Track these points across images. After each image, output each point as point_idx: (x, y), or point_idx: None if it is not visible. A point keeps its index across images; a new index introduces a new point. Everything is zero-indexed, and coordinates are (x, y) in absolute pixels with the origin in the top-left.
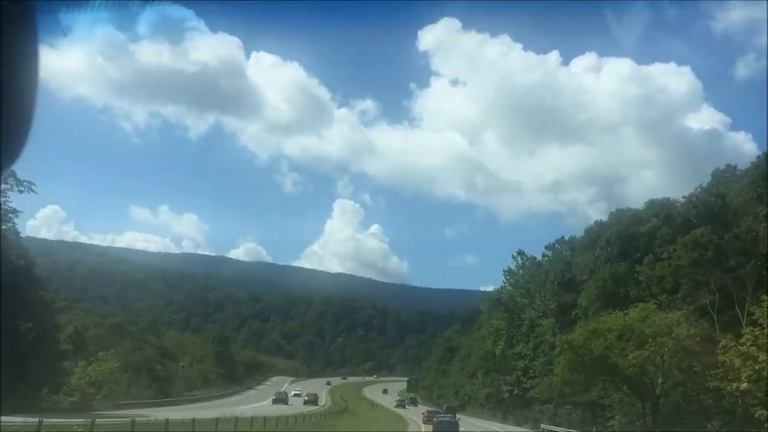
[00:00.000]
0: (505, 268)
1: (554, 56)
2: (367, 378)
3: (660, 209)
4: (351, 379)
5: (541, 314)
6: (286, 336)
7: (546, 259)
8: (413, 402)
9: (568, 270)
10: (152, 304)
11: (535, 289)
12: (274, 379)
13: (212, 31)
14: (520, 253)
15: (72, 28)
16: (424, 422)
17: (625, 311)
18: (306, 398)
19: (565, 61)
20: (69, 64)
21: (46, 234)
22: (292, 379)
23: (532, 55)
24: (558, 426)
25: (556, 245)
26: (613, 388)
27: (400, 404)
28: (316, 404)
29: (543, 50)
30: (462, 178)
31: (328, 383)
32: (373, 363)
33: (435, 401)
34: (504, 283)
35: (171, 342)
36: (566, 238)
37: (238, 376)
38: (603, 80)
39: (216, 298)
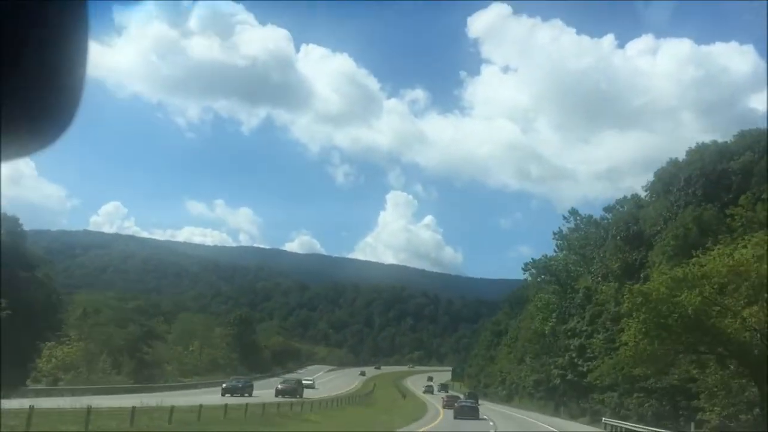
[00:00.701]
0: (555, 231)
1: (609, 40)
2: (415, 367)
3: (754, 141)
4: (393, 368)
5: (599, 279)
6: (334, 325)
7: (606, 222)
8: (444, 389)
9: (634, 223)
10: (199, 295)
11: (591, 251)
12: (311, 368)
13: (261, 24)
14: (573, 212)
15: (126, 27)
16: (444, 407)
17: (732, 247)
18: (280, 386)
19: (621, 44)
20: (124, 62)
21: (108, 229)
22: (330, 368)
23: (585, 39)
24: (625, 420)
25: (617, 206)
26: (710, 366)
27: (428, 390)
28: (296, 396)
29: (597, 34)
30: (515, 166)
31: (362, 373)
32: (421, 352)
33: (482, 391)
34: (556, 251)
35: (184, 324)
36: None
37: (263, 362)
38: (660, 62)
39: (264, 288)
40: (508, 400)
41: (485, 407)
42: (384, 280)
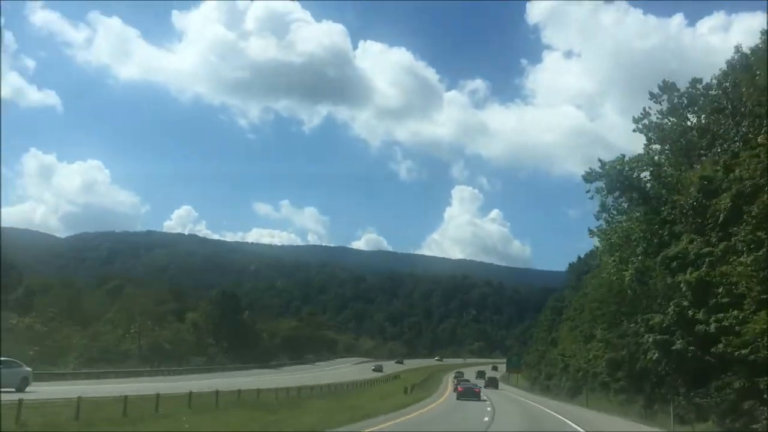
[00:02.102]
0: (637, 116)
1: (678, 19)
2: (471, 360)
3: None
4: (425, 362)
5: (731, 156)
6: (391, 317)
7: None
8: (492, 383)
9: None
10: (253, 289)
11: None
12: (341, 360)
13: (317, 21)
14: (668, 86)
15: (185, 31)
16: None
17: None
18: None
19: (691, 23)
20: (185, 65)
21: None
22: (360, 360)
23: (652, 19)
24: None
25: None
26: None
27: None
28: None
29: (665, 13)
30: (582, 154)
31: (377, 368)
32: (481, 343)
33: (543, 384)
34: (646, 149)
35: (124, 304)
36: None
37: (264, 351)
38: (734, 39)
39: (319, 280)
40: (573, 395)
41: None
42: (454, 275)
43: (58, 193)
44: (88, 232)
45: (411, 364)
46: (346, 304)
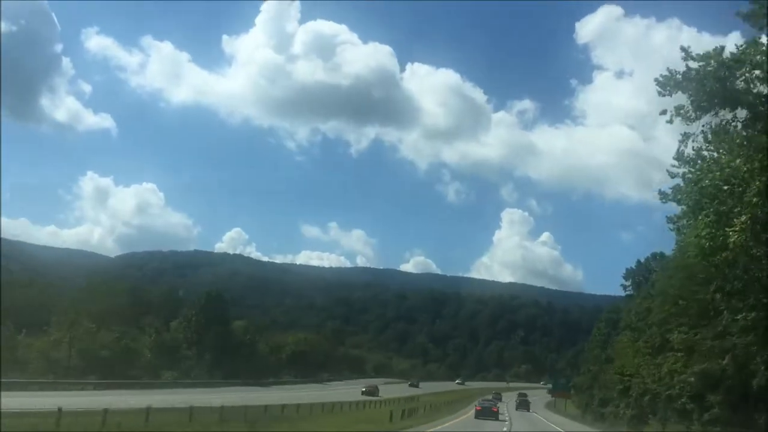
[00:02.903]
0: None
1: (735, 37)
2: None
3: None
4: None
5: None
6: (435, 338)
7: None
8: (523, 405)
9: None
10: (293, 307)
11: None
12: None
13: (364, 43)
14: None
15: (235, 56)
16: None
17: None
18: None
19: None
20: (235, 88)
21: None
22: (387, 380)
23: (706, 37)
24: None
25: None
26: None
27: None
28: None
29: (721, 31)
30: (635, 176)
31: (368, 391)
32: (529, 366)
33: (597, 411)
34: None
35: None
36: None
37: (261, 365)
38: None
39: (360, 299)
40: (637, 424)
41: None
42: (503, 297)
43: (114, 215)
44: (136, 251)
45: (434, 387)
46: (388, 324)
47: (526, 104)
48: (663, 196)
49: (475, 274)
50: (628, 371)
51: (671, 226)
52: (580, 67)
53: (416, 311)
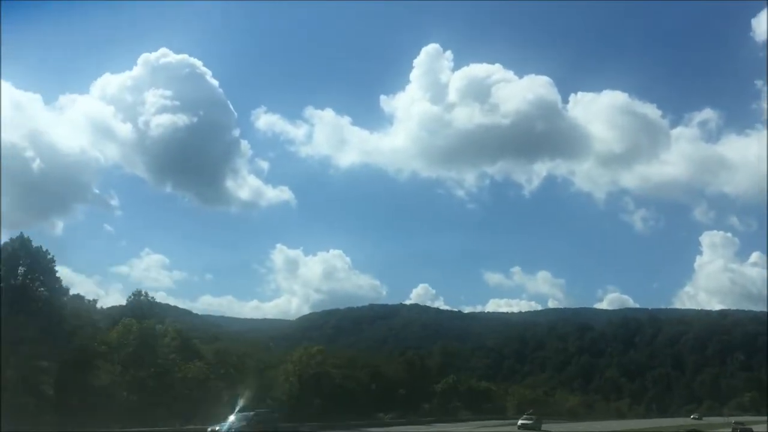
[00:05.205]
0: None
1: None
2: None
3: None
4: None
5: None
6: (627, 371)
7: None
8: None
9: None
10: (459, 349)
11: None
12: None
13: (519, 78)
14: None
15: (394, 113)
16: None
17: None
18: None
19: None
20: (398, 145)
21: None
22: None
23: None
24: None
25: None
26: None
27: None
28: None
29: None
30: None
31: None
32: (754, 393)
33: None
34: None
35: None
36: None
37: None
38: None
39: (534, 335)
40: None
41: None
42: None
43: (306, 283)
44: (315, 312)
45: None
46: (569, 359)
47: (708, 114)
48: None
49: (678, 305)
50: None
51: None
52: (763, 65)
53: (602, 341)
